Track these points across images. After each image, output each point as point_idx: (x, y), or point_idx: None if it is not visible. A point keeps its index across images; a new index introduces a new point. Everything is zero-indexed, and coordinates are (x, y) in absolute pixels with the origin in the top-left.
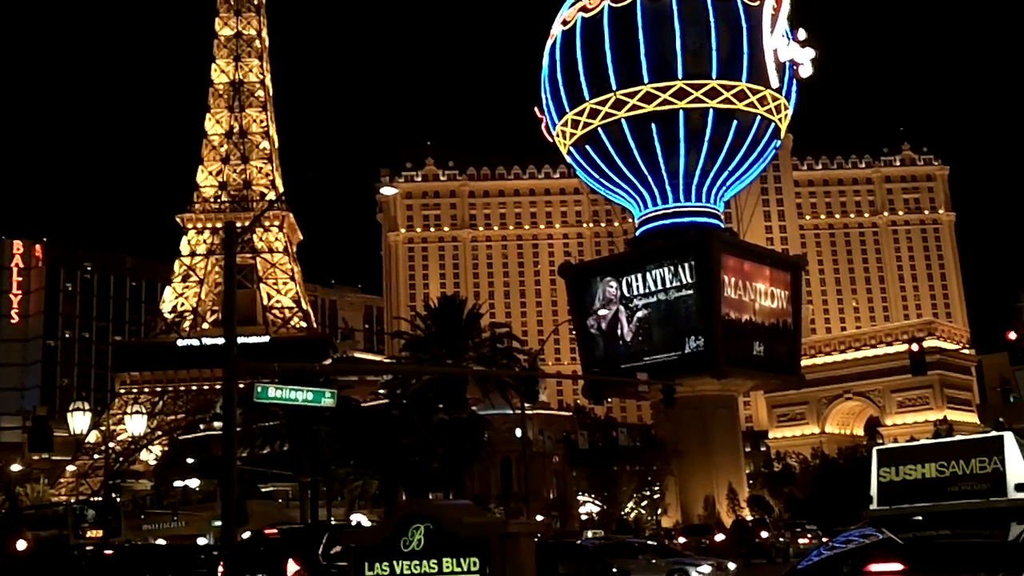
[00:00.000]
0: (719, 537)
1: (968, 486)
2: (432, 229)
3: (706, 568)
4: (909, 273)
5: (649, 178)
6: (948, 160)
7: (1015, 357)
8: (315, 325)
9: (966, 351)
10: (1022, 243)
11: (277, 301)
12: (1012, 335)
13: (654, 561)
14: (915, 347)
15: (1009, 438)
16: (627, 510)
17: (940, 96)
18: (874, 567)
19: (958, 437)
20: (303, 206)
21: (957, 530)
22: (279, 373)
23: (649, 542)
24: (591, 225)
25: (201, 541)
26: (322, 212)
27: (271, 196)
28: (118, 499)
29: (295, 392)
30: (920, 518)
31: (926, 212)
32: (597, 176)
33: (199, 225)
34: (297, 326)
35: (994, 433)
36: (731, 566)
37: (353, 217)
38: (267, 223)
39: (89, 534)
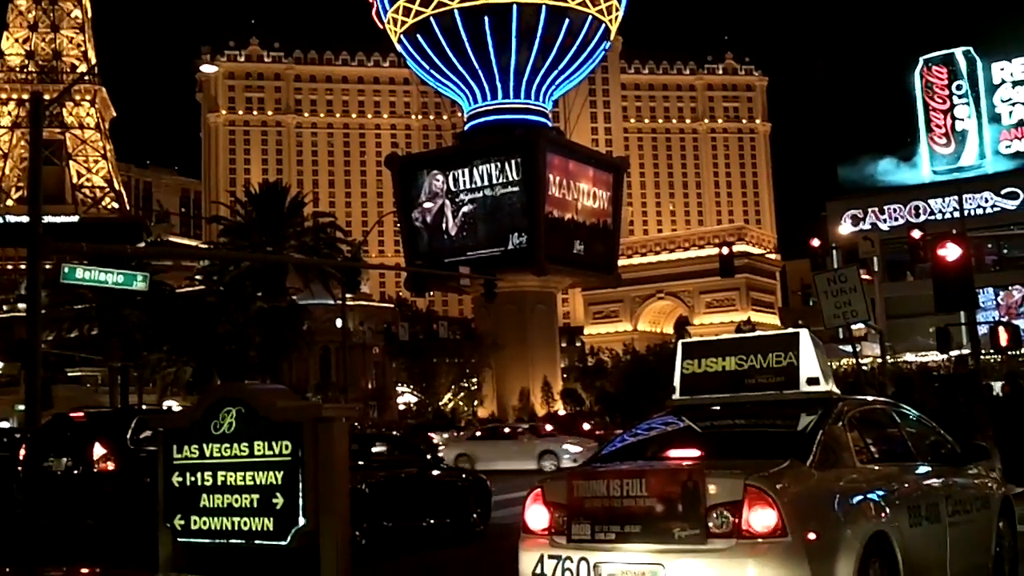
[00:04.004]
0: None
1: (764, 379)
2: (255, 112)
3: (575, 448)
4: (724, 180)
5: (480, 72)
6: (767, 71)
7: (816, 263)
8: (128, 206)
9: (772, 256)
10: (830, 157)
11: (87, 180)
12: (815, 242)
13: (527, 442)
14: (725, 251)
15: (804, 335)
16: (444, 401)
17: (763, 7)
18: (673, 453)
19: (757, 333)
20: (117, 81)
21: (752, 420)
22: (88, 254)
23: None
24: (420, 117)
25: (3, 425)
26: (137, 88)
27: (83, 68)
28: None
29: (104, 274)
30: (718, 408)
31: (744, 121)
32: (427, 67)
33: (3, 96)
34: (109, 207)
35: (791, 330)
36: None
37: (171, 95)
38: (78, 97)
39: None
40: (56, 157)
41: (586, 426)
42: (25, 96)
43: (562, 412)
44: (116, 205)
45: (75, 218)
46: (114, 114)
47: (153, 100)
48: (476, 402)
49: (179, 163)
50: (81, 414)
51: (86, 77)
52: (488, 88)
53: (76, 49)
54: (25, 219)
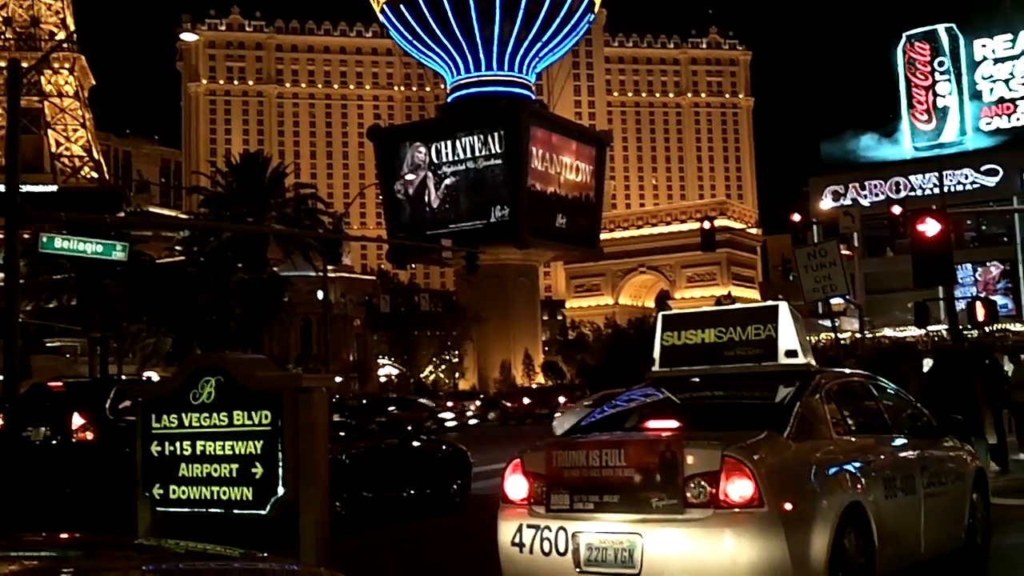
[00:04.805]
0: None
1: (743, 351)
2: (236, 82)
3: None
4: (707, 154)
5: (463, 44)
6: (751, 46)
7: (796, 238)
8: (107, 176)
9: (753, 231)
10: (813, 132)
11: (66, 148)
12: (796, 217)
13: None
14: (707, 225)
15: (783, 307)
16: (426, 373)
17: None
18: (652, 424)
19: (737, 305)
20: (96, 48)
21: (730, 392)
22: (67, 223)
23: None
24: (402, 88)
25: None
26: (117, 56)
27: (61, 35)
28: None
29: (83, 243)
30: (697, 380)
31: (727, 96)
32: (410, 38)
33: None
34: (88, 176)
35: (770, 302)
36: None
37: (151, 64)
38: (56, 65)
39: None
40: (34, 126)
41: (562, 399)
42: (2, 63)
43: (535, 385)
44: (95, 174)
45: (54, 187)
46: (93, 82)
47: (133, 69)
48: (457, 374)
49: (159, 133)
50: (60, 384)
51: (65, 44)
52: (471, 60)
53: (55, 16)
54: (3, 188)
